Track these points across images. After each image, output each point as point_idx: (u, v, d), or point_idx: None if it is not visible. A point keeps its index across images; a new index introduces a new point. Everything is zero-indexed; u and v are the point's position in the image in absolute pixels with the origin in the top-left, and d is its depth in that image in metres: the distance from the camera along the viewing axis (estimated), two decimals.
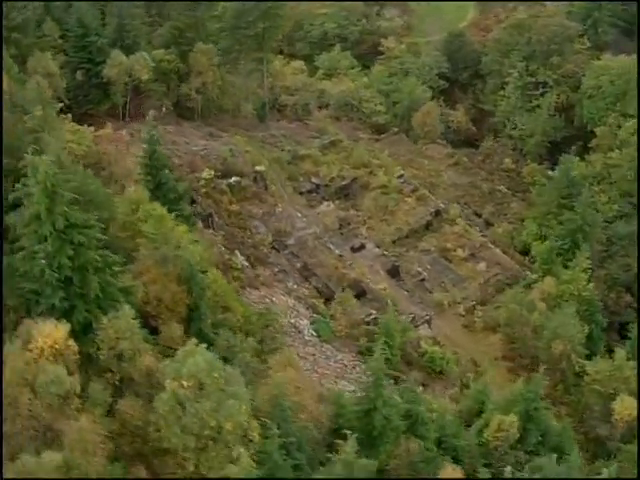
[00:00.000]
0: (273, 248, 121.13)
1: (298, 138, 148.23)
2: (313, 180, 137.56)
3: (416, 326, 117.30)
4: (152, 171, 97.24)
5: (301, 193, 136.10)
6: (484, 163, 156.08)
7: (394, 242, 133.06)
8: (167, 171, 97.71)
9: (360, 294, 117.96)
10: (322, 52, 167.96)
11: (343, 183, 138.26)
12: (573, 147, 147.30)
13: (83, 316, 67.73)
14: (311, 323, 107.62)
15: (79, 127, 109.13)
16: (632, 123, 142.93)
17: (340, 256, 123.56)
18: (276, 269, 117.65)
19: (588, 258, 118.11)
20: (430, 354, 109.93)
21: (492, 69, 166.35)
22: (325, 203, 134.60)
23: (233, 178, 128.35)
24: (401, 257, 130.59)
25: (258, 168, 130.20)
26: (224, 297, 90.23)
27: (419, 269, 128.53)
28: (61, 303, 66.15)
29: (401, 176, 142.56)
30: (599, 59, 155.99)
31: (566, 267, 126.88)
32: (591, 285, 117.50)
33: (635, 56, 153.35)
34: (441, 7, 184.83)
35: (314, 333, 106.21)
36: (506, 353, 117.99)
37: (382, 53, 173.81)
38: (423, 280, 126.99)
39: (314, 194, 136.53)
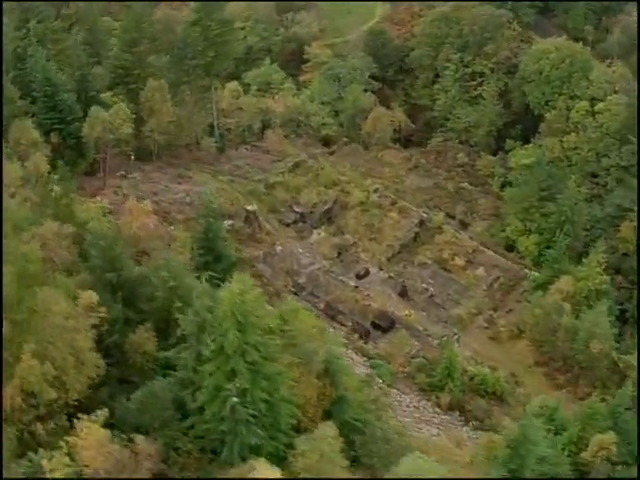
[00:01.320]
0: (290, 291, 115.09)
1: (261, 164, 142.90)
2: (296, 209, 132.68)
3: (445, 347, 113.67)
4: (209, 244, 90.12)
5: (287, 225, 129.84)
6: (438, 161, 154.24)
7: (389, 260, 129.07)
8: (224, 242, 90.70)
9: (390, 325, 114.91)
10: (248, 68, 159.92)
11: (326, 207, 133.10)
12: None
13: (274, 447, 61.73)
14: (372, 368, 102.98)
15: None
16: (583, 104, 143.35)
17: (355, 287, 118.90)
18: None
19: (604, 252, 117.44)
20: (481, 377, 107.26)
21: (423, 63, 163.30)
22: (315, 232, 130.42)
23: (226, 222, 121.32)
24: (402, 275, 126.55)
25: (249, 208, 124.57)
26: None
27: (424, 285, 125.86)
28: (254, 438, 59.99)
29: (376, 190, 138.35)
30: (531, 43, 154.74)
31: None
32: (607, 278, 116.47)
33: (564, 37, 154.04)
34: (348, 6, 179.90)
35: (380, 380, 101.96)
36: (537, 358, 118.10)
37: (307, 61, 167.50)
38: (432, 296, 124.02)
39: (300, 224, 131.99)
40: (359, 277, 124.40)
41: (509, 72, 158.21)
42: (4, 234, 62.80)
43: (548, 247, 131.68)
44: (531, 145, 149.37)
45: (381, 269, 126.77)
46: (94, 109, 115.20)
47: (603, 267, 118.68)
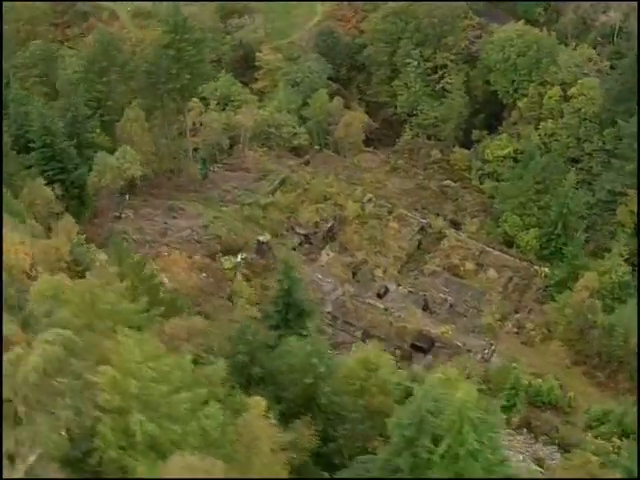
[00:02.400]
0: (328, 324, 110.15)
1: (246, 185, 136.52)
2: (298, 230, 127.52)
3: (487, 360, 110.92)
4: (290, 300, 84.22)
5: (293, 248, 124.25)
6: (412, 160, 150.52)
7: (399, 272, 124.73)
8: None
9: (431, 345, 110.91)
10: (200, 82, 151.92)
11: (328, 225, 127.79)
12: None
13: None
14: None
15: None
16: (555, 90, 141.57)
17: (385, 309, 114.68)
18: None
19: (626, 245, 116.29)
20: (535, 387, 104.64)
21: (379, 60, 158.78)
22: (324, 253, 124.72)
23: (240, 256, 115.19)
24: (416, 287, 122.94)
25: (262, 239, 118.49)
26: None
27: (442, 295, 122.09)
28: None
29: (370, 200, 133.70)
30: (489, 31, 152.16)
31: (562, 254, 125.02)
32: (629, 268, 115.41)
33: (521, 22, 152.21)
34: (288, 6, 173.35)
35: None
36: (573, 358, 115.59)
37: (259, 68, 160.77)
38: (452, 306, 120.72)
39: (306, 245, 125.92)
40: (379, 296, 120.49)
41: (469, 62, 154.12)
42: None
43: (549, 240, 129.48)
44: (505, 135, 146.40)
45: (399, 284, 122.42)
46: (100, 156, 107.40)
47: (625, 258, 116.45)
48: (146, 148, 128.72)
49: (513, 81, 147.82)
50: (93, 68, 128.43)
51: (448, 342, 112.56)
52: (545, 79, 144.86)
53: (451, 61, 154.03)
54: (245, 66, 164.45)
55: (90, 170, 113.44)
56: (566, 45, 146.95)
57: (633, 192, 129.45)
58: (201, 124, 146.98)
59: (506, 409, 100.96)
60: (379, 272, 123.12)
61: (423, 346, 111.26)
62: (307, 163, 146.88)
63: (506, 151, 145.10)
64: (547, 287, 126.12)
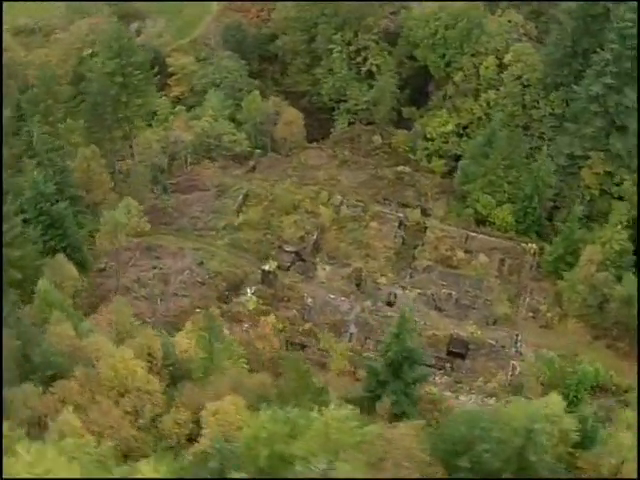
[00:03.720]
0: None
1: (210, 206, 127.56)
2: (287, 248, 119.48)
3: (521, 352, 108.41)
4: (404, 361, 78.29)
5: (287, 268, 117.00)
6: (355, 149, 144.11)
7: (397, 274, 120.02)
8: None
9: (466, 349, 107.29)
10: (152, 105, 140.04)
11: (314, 237, 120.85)
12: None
13: None
14: None
15: None
16: (491, 60, 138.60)
17: None
18: None
19: (626, 214, 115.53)
20: (580, 373, 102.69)
21: (296, 49, 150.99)
22: (319, 268, 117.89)
23: (249, 291, 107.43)
24: (415, 285, 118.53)
25: (267, 268, 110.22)
26: None
27: (444, 291, 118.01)
28: None
29: (341, 202, 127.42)
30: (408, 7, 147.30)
31: (539, 226, 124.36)
32: (626, 234, 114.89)
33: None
34: (179, 5, 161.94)
35: None
36: (592, 334, 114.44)
37: (172, 74, 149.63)
38: (457, 300, 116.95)
39: (298, 263, 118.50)
40: (390, 304, 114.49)
41: (390, 41, 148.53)
42: None
43: (525, 214, 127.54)
44: (444, 111, 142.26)
45: (404, 288, 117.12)
46: (108, 215, 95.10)
47: (624, 225, 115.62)
48: (106, 187, 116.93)
49: (444, 55, 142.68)
50: (38, 109, 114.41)
51: (480, 342, 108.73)
52: (477, 50, 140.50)
53: (373, 41, 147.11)
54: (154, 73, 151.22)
55: (81, 228, 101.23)
56: (492, 14, 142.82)
57: (595, 154, 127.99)
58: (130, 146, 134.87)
59: (573, 404, 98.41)
60: (383, 279, 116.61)
61: (461, 352, 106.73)
62: (253, 169, 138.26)
63: (449, 127, 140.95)
64: (539, 264, 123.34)
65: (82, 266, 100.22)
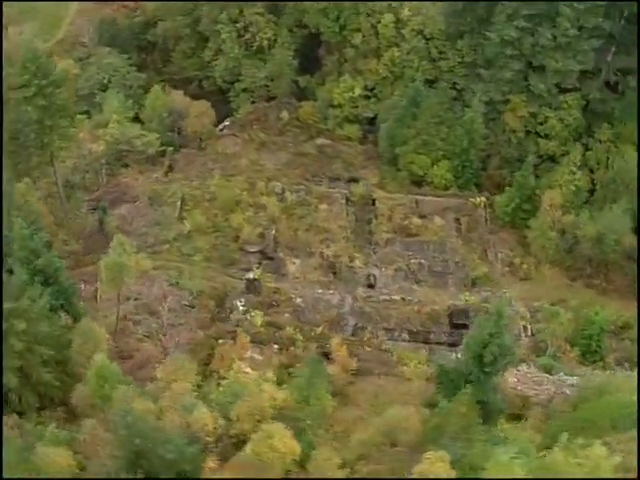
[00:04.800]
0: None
1: (150, 218, 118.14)
2: (251, 249, 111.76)
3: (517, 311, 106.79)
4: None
5: (257, 268, 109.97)
6: (266, 129, 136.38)
7: (357, 252, 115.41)
8: None
9: (468, 318, 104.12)
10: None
11: (272, 232, 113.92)
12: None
13: None
14: None
15: None
16: (387, 17, 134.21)
17: (402, 299, 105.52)
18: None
19: (583, 155, 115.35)
20: (588, 322, 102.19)
21: (180, 34, 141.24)
22: (289, 263, 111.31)
23: (239, 304, 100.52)
24: (384, 261, 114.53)
25: (252, 276, 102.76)
26: None
27: (414, 261, 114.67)
28: None
29: (283, 190, 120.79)
30: None
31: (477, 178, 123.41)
32: (580, 173, 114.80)
33: None
34: (37, 6, 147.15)
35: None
36: (569, 276, 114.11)
37: None
38: (430, 268, 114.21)
39: (266, 261, 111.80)
40: (371, 286, 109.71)
41: (275, 12, 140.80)
42: None
43: (463, 168, 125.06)
44: (347, 75, 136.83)
45: (376, 266, 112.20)
46: (109, 261, 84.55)
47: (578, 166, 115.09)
48: (49, 220, 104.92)
49: (338, 18, 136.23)
50: None
51: (476, 309, 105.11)
52: (373, 9, 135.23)
53: (259, 15, 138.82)
54: None
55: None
56: None
57: (516, 97, 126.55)
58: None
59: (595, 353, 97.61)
60: (356, 262, 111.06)
61: (465, 322, 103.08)
62: (171, 169, 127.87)
63: (357, 91, 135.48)
64: (492, 216, 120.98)
65: (77, 320, 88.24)
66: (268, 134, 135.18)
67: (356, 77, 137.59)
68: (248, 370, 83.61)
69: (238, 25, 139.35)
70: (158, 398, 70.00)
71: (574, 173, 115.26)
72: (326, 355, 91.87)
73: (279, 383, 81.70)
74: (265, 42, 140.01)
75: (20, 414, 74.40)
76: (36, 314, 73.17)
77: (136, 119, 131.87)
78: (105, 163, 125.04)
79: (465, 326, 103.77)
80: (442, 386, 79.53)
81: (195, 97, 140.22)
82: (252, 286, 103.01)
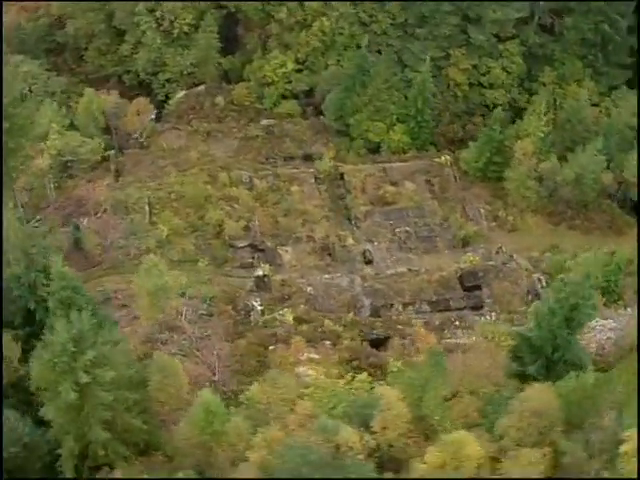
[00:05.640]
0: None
1: (122, 229, 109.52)
2: (240, 244, 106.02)
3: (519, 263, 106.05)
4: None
5: (251, 264, 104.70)
6: (204, 117, 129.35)
7: (343, 230, 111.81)
8: None
9: (479, 279, 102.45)
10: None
11: (256, 224, 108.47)
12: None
13: None
14: None
15: None
16: None
17: (410, 270, 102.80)
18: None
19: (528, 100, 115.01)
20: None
21: (93, 31, 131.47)
22: (282, 252, 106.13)
23: (255, 304, 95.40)
24: (371, 235, 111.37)
25: (261, 273, 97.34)
26: None
27: (398, 230, 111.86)
28: None
29: (250, 179, 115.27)
30: None
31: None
32: (544, 122, 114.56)
33: None
34: None
35: None
36: (552, 220, 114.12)
37: None
38: (416, 233, 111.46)
39: (258, 254, 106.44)
40: (369, 262, 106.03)
41: None
42: None
43: (420, 128, 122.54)
44: (275, 52, 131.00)
45: (371, 242, 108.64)
46: (149, 283, 77.25)
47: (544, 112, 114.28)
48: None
49: None
50: None
51: (483, 268, 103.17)
52: None
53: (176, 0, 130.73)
54: None
55: None
56: None
57: (457, 51, 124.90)
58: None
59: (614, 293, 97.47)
60: (349, 240, 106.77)
61: (478, 283, 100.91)
62: (118, 173, 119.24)
63: (290, 66, 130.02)
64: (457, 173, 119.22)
65: None
66: (208, 122, 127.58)
67: (285, 52, 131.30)
68: (310, 372, 77.87)
69: (156, 14, 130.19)
70: (268, 421, 63.84)
71: (541, 120, 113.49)
72: (376, 343, 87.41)
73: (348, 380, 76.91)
74: (185, 28, 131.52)
75: (105, 465, 66.49)
76: (119, 359, 65.22)
77: (73, 127, 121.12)
78: (53, 177, 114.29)
79: (478, 287, 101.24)
80: (524, 355, 76.29)
81: (122, 95, 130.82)
82: (262, 283, 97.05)
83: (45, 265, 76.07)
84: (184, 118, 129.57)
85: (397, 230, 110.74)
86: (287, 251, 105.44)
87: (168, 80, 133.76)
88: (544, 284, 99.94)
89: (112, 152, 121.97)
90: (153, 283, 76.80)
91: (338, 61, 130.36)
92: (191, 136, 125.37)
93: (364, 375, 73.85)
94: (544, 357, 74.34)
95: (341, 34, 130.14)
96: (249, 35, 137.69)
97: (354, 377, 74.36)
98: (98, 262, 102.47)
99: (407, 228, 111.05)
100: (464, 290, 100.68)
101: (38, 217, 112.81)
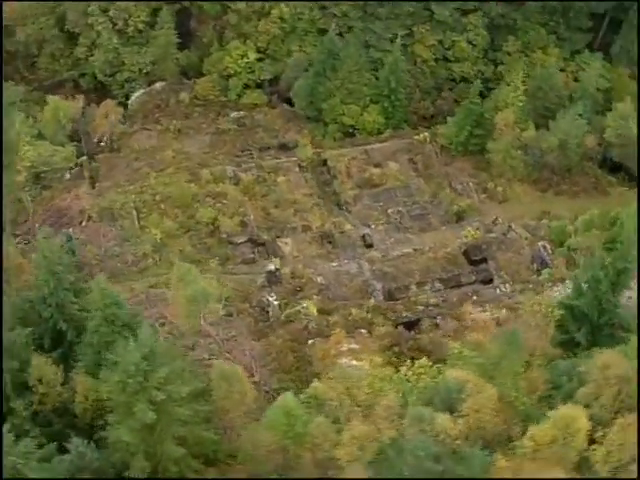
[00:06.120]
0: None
1: (113, 236, 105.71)
2: (238, 240, 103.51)
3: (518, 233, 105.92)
4: None
5: (253, 259, 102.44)
6: (171, 114, 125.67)
7: (336, 217, 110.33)
8: None
9: (485, 252, 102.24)
10: None
11: (252, 217, 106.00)
12: None
13: None
14: None
15: None
16: None
17: (415, 249, 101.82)
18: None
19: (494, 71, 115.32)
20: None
21: (45, 37, 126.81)
22: (282, 244, 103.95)
23: (271, 298, 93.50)
24: (364, 218, 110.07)
25: (272, 267, 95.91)
26: None
27: (391, 210, 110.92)
28: None
29: (234, 174, 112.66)
30: None
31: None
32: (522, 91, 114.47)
33: None
34: None
35: None
36: (538, 188, 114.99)
37: None
38: (408, 213, 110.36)
39: (259, 248, 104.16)
40: (370, 246, 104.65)
41: None
42: None
43: (393, 108, 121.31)
44: (234, 42, 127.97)
45: (368, 225, 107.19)
46: (189, 289, 74.19)
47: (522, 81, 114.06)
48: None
49: None
50: None
51: (486, 241, 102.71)
52: None
53: None
54: None
55: None
56: None
57: (421, 28, 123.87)
58: None
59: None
60: (346, 226, 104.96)
61: (484, 257, 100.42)
62: (94, 180, 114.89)
63: (253, 55, 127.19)
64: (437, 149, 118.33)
65: None
66: (177, 119, 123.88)
67: (245, 42, 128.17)
68: (355, 362, 75.82)
69: (110, 14, 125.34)
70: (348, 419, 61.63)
71: (518, 89, 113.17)
72: (408, 326, 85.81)
73: (396, 367, 75.20)
74: (140, 25, 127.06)
75: None
76: (189, 372, 62.24)
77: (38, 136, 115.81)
78: (29, 190, 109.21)
79: (483, 260, 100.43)
80: (569, 323, 75.84)
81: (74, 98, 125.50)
82: (273, 277, 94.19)
83: (72, 282, 72.51)
84: (150, 117, 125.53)
85: (389, 211, 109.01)
86: (287, 243, 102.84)
87: (127, 80, 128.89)
88: (549, 251, 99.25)
89: (84, 158, 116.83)
90: (192, 290, 73.23)
91: (300, 47, 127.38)
92: (162, 135, 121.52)
93: (424, 360, 71.82)
94: (589, 323, 73.85)
95: (300, 19, 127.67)
96: (203, 28, 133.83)
97: (413, 363, 72.14)
98: (96, 272, 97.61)
99: (399, 208, 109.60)
100: (470, 264, 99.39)
101: (18, 232, 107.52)
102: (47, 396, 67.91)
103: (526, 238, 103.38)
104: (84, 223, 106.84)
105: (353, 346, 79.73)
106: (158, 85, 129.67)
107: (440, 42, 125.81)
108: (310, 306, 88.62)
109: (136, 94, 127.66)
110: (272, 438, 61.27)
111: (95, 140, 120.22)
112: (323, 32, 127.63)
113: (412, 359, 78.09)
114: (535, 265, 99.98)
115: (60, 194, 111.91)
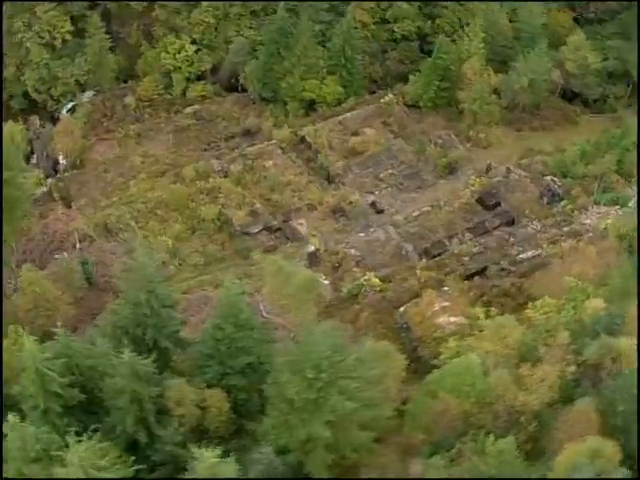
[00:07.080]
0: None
1: (121, 250, 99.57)
2: (252, 230, 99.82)
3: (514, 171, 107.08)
4: None
5: (274, 247, 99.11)
6: (120, 121, 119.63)
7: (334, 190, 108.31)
8: None
9: (496, 197, 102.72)
10: None
11: (259, 206, 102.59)
12: None
13: None
14: None
15: None
16: None
17: (432, 206, 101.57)
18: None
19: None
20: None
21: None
22: (298, 225, 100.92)
23: (322, 278, 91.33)
24: (359, 187, 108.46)
25: (311, 248, 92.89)
26: None
27: (383, 175, 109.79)
28: None
29: (222, 166, 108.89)
30: None
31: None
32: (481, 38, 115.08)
33: None
34: None
35: None
36: (514, 127, 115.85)
37: None
38: (396, 176, 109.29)
39: (275, 235, 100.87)
40: (381, 211, 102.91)
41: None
42: None
43: (350, 76, 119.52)
44: (171, 37, 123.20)
45: (372, 193, 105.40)
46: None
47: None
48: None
49: None
50: None
51: (494, 186, 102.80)
52: None
53: (50, 10, 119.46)
54: None
55: None
56: None
57: None
58: None
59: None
60: (352, 197, 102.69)
61: (497, 200, 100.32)
62: (68, 200, 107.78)
63: (191, 48, 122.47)
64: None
65: None
66: (130, 124, 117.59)
67: (178, 36, 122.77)
68: (453, 319, 73.90)
69: (35, 28, 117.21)
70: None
71: (479, 38, 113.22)
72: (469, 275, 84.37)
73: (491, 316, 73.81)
74: (67, 36, 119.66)
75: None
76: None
77: None
78: None
79: (497, 205, 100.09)
80: None
81: (9, 118, 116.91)
82: (314, 257, 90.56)
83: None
84: (100, 128, 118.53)
85: (382, 175, 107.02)
86: (302, 224, 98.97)
87: (62, 94, 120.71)
88: (559, 184, 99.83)
89: (49, 180, 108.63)
90: (300, 278, 68.90)
91: (238, 31, 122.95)
92: (123, 142, 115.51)
93: (543, 300, 70.07)
94: None
95: (232, 5, 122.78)
96: (127, 30, 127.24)
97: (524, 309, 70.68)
98: (114, 288, 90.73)
99: (390, 171, 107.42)
100: (485, 210, 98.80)
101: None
102: (184, 417, 62.48)
103: (525, 176, 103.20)
104: (78, 245, 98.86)
105: (445, 304, 77.27)
106: (90, 94, 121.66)
107: (377, 5, 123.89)
108: (372, 278, 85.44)
109: (68, 106, 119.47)
110: (452, 402, 58.37)
111: (55, 159, 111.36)
112: (256, 14, 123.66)
113: (501, 305, 76.51)
114: (545, 199, 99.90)
115: (37, 220, 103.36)
